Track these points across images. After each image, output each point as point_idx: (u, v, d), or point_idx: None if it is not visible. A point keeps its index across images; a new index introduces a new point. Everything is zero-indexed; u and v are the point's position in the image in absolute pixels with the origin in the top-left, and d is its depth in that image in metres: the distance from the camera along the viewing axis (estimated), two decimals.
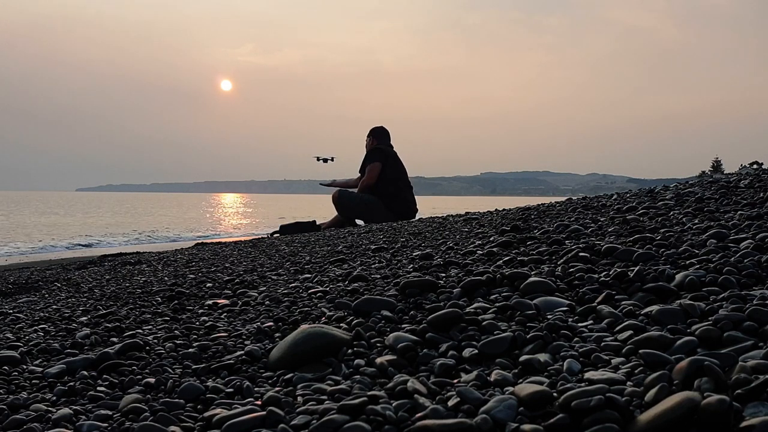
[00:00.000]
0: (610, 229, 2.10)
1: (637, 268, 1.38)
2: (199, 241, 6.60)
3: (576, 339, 1.06)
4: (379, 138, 6.59)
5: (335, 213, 6.41)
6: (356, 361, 1.11)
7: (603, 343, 1.00)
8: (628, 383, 0.81)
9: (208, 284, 2.34)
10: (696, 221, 2.02)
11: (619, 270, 1.40)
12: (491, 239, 2.32)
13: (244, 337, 1.40)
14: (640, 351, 0.91)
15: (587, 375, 0.86)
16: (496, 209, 4.11)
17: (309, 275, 2.23)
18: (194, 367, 1.22)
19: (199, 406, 1.00)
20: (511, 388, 0.86)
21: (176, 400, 1.02)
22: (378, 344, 1.19)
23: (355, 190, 6.46)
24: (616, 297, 1.27)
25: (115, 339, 1.53)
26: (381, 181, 6.33)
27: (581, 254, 1.67)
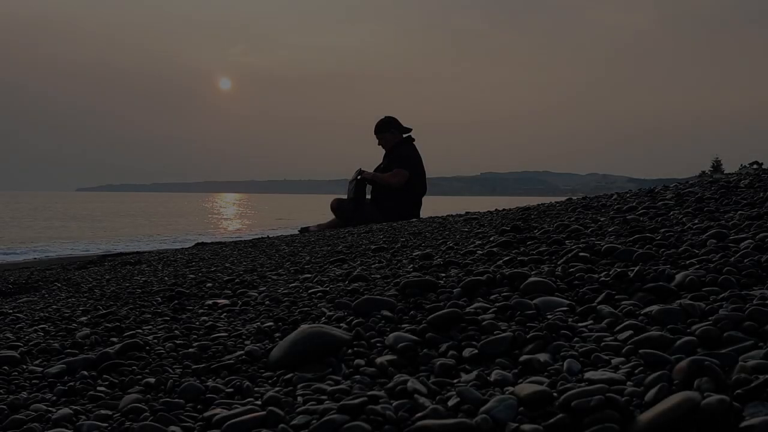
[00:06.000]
0: (610, 229, 2.10)
1: (637, 268, 1.38)
2: (199, 241, 6.59)
3: (576, 339, 1.06)
4: (395, 129, 6.31)
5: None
6: (356, 361, 1.11)
7: (603, 343, 1.00)
8: (628, 383, 0.81)
9: (208, 284, 2.34)
10: (696, 221, 2.02)
11: (619, 270, 1.40)
12: (491, 239, 2.32)
13: (244, 337, 1.40)
14: (640, 351, 0.91)
15: (587, 375, 0.86)
16: (496, 209, 4.11)
17: (309, 275, 2.22)
18: (194, 367, 1.21)
19: (199, 406, 1.00)
20: (511, 388, 0.86)
21: (176, 400, 1.02)
22: (378, 344, 1.19)
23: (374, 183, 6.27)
24: (616, 297, 1.27)
25: (115, 339, 1.52)
26: (399, 191, 6.13)
27: (581, 254, 1.67)
